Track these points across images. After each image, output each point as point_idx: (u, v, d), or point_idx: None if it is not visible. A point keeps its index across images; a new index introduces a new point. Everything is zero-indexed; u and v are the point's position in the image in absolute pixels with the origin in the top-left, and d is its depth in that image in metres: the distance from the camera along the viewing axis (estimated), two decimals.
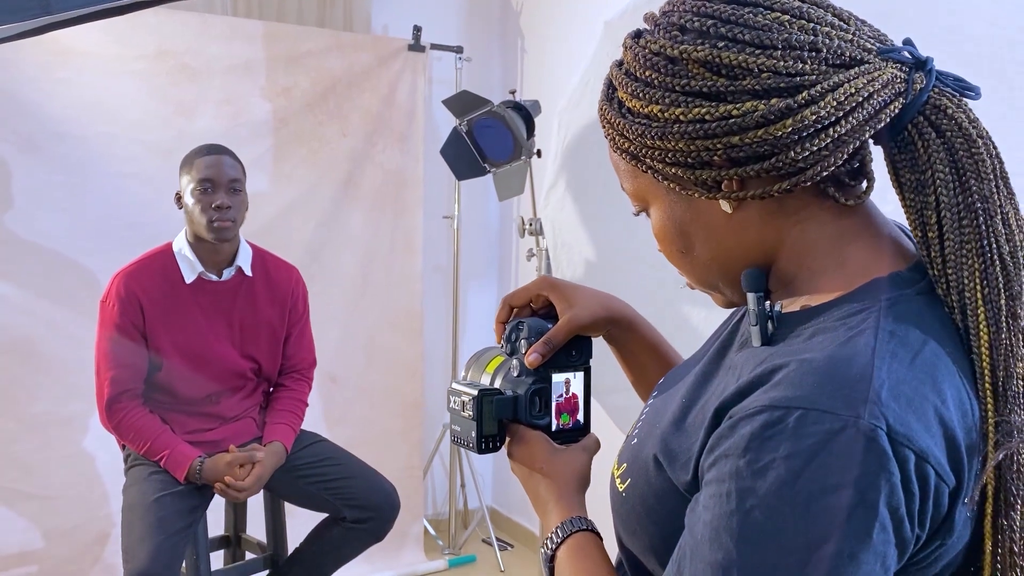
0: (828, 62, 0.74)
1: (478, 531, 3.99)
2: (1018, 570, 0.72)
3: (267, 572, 2.75)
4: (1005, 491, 0.71)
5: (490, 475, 4.26)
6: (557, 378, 1.03)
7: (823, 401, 0.65)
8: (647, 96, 0.78)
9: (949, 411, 0.68)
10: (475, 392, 1.01)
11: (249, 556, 2.83)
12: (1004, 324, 0.72)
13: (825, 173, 0.75)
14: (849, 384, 0.66)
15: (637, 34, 0.82)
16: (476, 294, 4.15)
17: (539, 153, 2.99)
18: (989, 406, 0.71)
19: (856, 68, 0.74)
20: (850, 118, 0.73)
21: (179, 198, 2.51)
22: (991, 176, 0.74)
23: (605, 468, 0.94)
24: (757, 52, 0.74)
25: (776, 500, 0.65)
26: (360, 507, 2.57)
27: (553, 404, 1.02)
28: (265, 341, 2.65)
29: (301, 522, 2.77)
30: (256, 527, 2.83)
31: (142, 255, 2.53)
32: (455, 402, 1.05)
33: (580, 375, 1.05)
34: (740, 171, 0.76)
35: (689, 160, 0.77)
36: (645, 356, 1.12)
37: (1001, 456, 0.70)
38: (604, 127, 0.85)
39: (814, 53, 0.73)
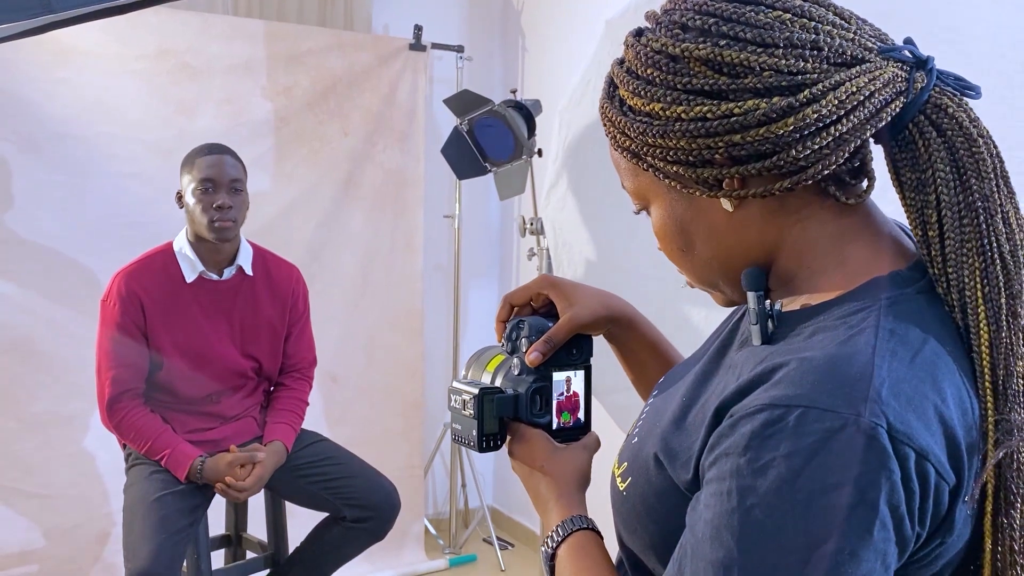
0: (830, 61, 0.74)
1: (479, 530, 4.00)
2: (1018, 568, 0.72)
3: (268, 571, 2.75)
4: (1005, 489, 0.71)
5: (491, 474, 4.26)
6: (558, 376, 1.03)
7: (823, 399, 0.65)
8: (649, 94, 0.78)
9: (949, 409, 0.68)
10: (476, 391, 1.01)
11: (250, 555, 2.83)
12: (1004, 323, 0.72)
13: (826, 172, 0.75)
14: (849, 382, 0.66)
15: (639, 32, 0.82)
16: (477, 293, 4.16)
17: (540, 152, 2.99)
18: (989, 404, 0.71)
19: (857, 67, 0.74)
20: (851, 117, 0.73)
21: (180, 197, 2.51)
22: (992, 175, 0.74)
23: (605, 467, 0.94)
24: (759, 50, 0.74)
25: (777, 498, 0.65)
26: (361, 506, 2.57)
27: (554, 402, 1.03)
28: (266, 340, 2.65)
29: (302, 521, 2.77)
30: (257, 526, 2.84)
31: (143, 254, 2.53)
32: (456, 401, 1.05)
33: (581, 374, 1.05)
34: (741, 169, 0.76)
35: (690, 158, 0.78)
36: (645, 355, 1.12)
37: (1001, 454, 0.70)
38: (605, 125, 0.85)
39: (816, 52, 0.74)
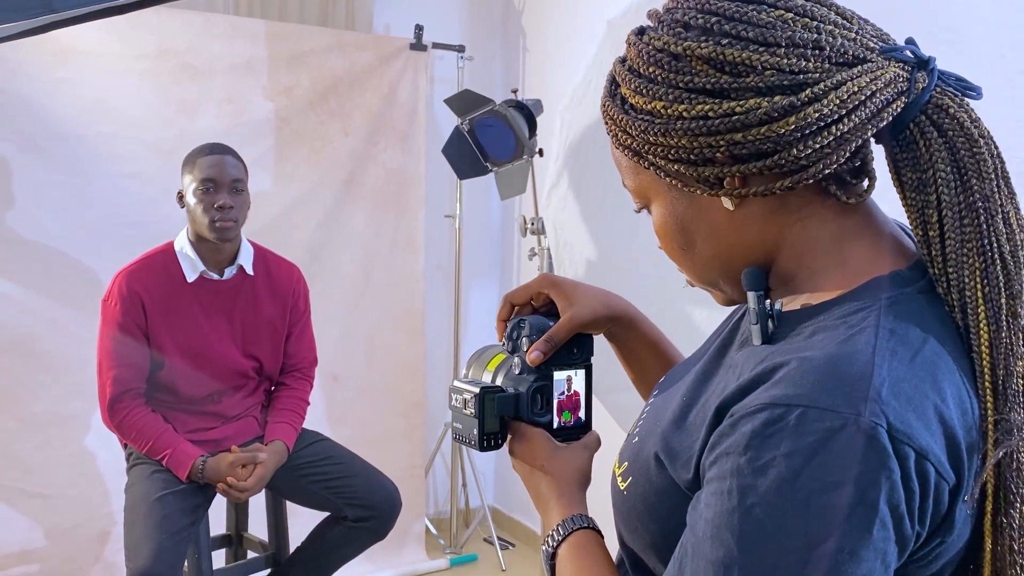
0: (831, 60, 0.74)
1: (480, 530, 4.00)
2: (1018, 568, 0.72)
3: (268, 571, 2.75)
4: (1005, 489, 0.72)
5: (492, 474, 4.26)
6: (558, 376, 1.03)
7: (824, 399, 0.66)
8: (650, 92, 0.78)
9: (949, 409, 0.68)
10: (477, 390, 1.02)
11: (251, 555, 2.83)
12: (1004, 323, 0.72)
13: (827, 171, 0.75)
14: (850, 382, 0.66)
15: (641, 31, 0.83)
16: (478, 293, 4.16)
17: (541, 152, 2.99)
18: (989, 404, 0.71)
19: (859, 67, 0.74)
20: (852, 116, 0.73)
21: (181, 197, 2.51)
22: (992, 175, 0.74)
23: (606, 466, 0.94)
24: (761, 49, 0.74)
25: (777, 498, 0.65)
26: (362, 506, 2.57)
27: (554, 402, 1.03)
28: (267, 340, 2.65)
29: (302, 521, 2.77)
30: (258, 526, 2.84)
31: (143, 254, 2.53)
32: (457, 400, 1.05)
33: (581, 373, 1.05)
34: (742, 168, 0.76)
35: (692, 157, 0.78)
36: (646, 354, 1.12)
37: (1001, 454, 0.70)
38: (607, 123, 0.85)
39: (817, 51, 0.74)
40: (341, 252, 3.61)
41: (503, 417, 1.03)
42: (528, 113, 2.93)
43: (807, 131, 0.73)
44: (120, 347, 2.44)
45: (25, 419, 3.02)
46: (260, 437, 2.63)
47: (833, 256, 0.79)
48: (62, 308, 3.05)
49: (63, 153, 3.05)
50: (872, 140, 0.78)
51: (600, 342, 1.10)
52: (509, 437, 1.04)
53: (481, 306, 4.14)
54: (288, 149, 3.48)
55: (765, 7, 0.76)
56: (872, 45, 0.76)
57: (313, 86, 3.50)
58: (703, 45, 0.75)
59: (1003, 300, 0.73)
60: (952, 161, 0.75)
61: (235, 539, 2.84)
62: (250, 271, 2.60)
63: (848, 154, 0.75)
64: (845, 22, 0.77)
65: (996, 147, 0.75)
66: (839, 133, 0.73)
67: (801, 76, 0.73)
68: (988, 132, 0.76)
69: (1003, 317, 0.73)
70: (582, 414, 1.05)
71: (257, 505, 2.76)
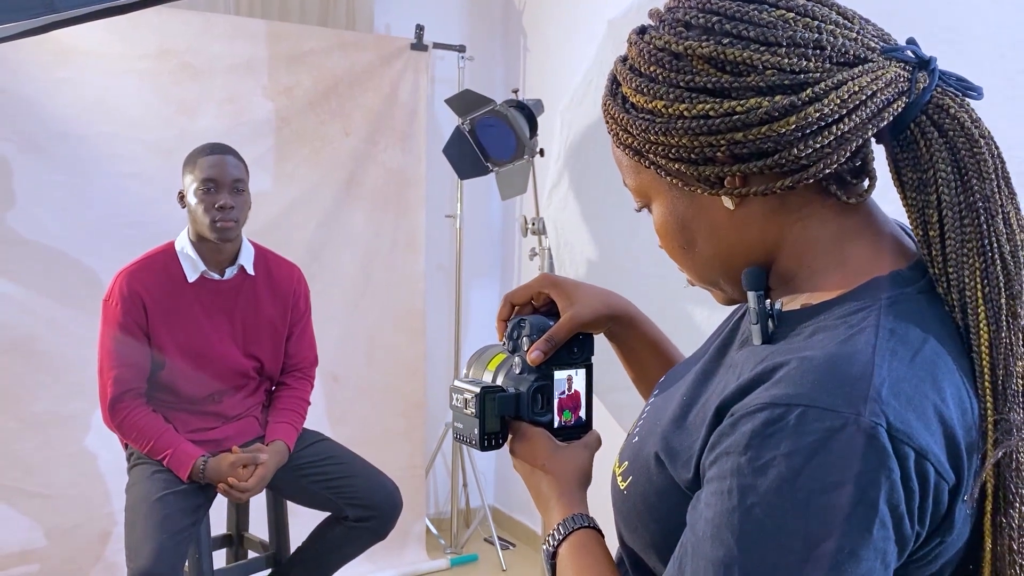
0: (832, 60, 0.74)
1: (480, 530, 4.00)
2: (1017, 567, 0.72)
3: (269, 571, 2.75)
4: (1004, 489, 0.72)
5: (492, 474, 4.26)
6: (559, 375, 1.03)
7: (824, 399, 0.66)
8: (651, 91, 0.78)
9: (949, 409, 0.68)
10: (477, 389, 1.02)
11: (251, 555, 2.83)
12: (1004, 323, 0.73)
13: (828, 171, 0.76)
14: (850, 382, 0.66)
15: (642, 30, 0.83)
16: (478, 293, 4.16)
17: (542, 152, 2.99)
18: (988, 404, 0.71)
19: (860, 67, 0.74)
20: (853, 116, 0.73)
21: (182, 197, 2.51)
22: (993, 176, 0.74)
23: (606, 465, 0.94)
24: (762, 49, 0.74)
25: (777, 497, 0.65)
26: (362, 506, 2.57)
27: (555, 401, 1.03)
28: (267, 340, 2.65)
29: (303, 521, 2.77)
30: (258, 526, 2.84)
31: (144, 254, 2.53)
32: (457, 399, 1.05)
33: (582, 372, 1.05)
34: (743, 167, 0.76)
35: (692, 156, 0.78)
36: (646, 353, 1.13)
37: (1000, 454, 0.70)
38: (607, 122, 0.85)
39: (818, 51, 0.74)
40: (341, 252, 3.61)
41: (504, 417, 1.03)
42: (529, 113, 2.93)
43: (808, 131, 0.73)
44: (121, 347, 2.44)
45: (26, 419, 3.02)
46: (261, 437, 2.63)
47: (833, 256, 0.79)
48: (62, 308, 3.05)
49: (64, 153, 3.05)
50: (873, 140, 0.78)
51: (601, 342, 1.10)
52: (510, 437, 1.04)
53: (482, 306, 4.14)
54: (288, 149, 3.48)
55: (766, 6, 0.76)
56: (873, 45, 0.76)
57: (314, 86, 3.50)
58: (704, 44, 0.75)
59: (1003, 300, 0.73)
60: (952, 161, 0.75)
61: (236, 539, 2.84)
62: (251, 271, 2.60)
63: (849, 154, 0.75)
64: (846, 22, 0.77)
65: (997, 147, 0.76)
66: (840, 133, 0.73)
67: (802, 76, 0.73)
68: (989, 132, 0.76)
69: (1003, 317, 0.73)
70: (583, 413, 1.05)
71: (258, 505, 2.76)
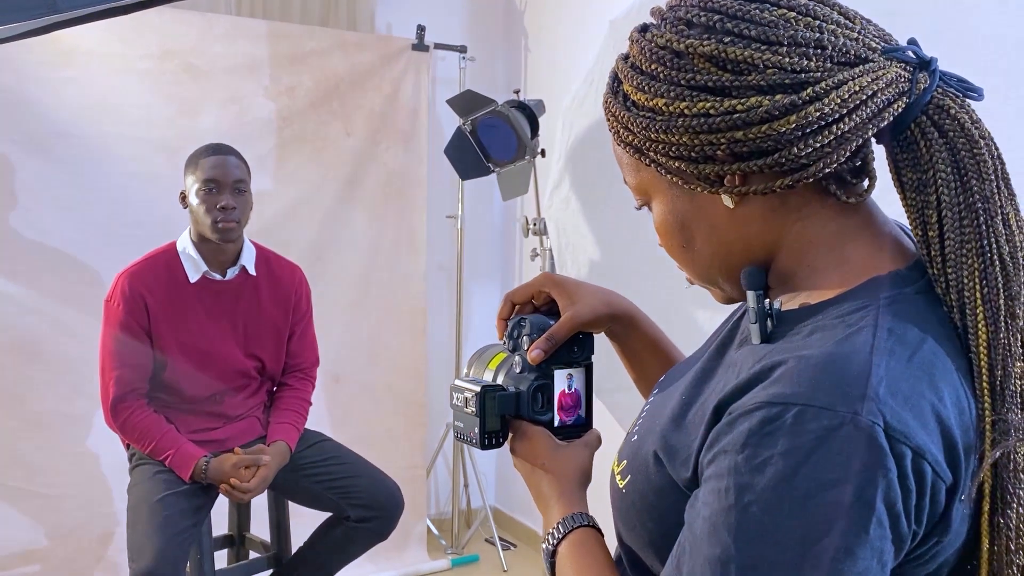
0: (833, 60, 0.74)
1: (481, 530, 4.00)
2: (1015, 568, 0.72)
3: (271, 571, 2.75)
4: (1002, 490, 0.71)
5: (493, 475, 4.26)
6: (559, 374, 1.03)
7: (821, 398, 0.66)
8: (652, 89, 0.78)
9: (946, 409, 0.69)
10: (478, 388, 1.02)
11: (253, 555, 2.83)
12: (1003, 323, 0.73)
13: (828, 170, 0.76)
14: (847, 381, 0.66)
15: (643, 28, 0.83)
16: (480, 294, 4.16)
17: (543, 153, 2.99)
18: (986, 405, 0.71)
19: (861, 66, 0.74)
20: (853, 116, 0.73)
21: (183, 197, 2.51)
22: (992, 177, 0.74)
23: (606, 464, 0.94)
24: (763, 48, 0.74)
25: (774, 496, 0.65)
26: (364, 506, 2.57)
27: (555, 400, 1.03)
28: (269, 340, 2.65)
29: (305, 521, 2.77)
30: (260, 526, 2.84)
31: (146, 254, 2.53)
32: (458, 398, 1.05)
33: (582, 371, 1.05)
34: (743, 166, 0.76)
35: (692, 154, 0.78)
36: (646, 353, 1.13)
37: (998, 454, 0.70)
38: (608, 120, 0.85)
39: (819, 51, 0.74)
40: (343, 252, 3.61)
41: (504, 416, 1.03)
42: (530, 113, 2.93)
43: (808, 130, 0.73)
44: (123, 347, 2.45)
45: (28, 419, 3.02)
46: (262, 437, 2.63)
47: (833, 255, 0.79)
48: (65, 308, 3.05)
49: (66, 153, 3.06)
50: (873, 140, 0.78)
51: (601, 341, 1.10)
52: (510, 436, 1.04)
53: (483, 307, 4.14)
54: (290, 149, 3.48)
55: (768, 6, 0.76)
56: (874, 45, 0.76)
57: (315, 86, 3.51)
58: (705, 43, 0.76)
59: (1002, 301, 0.73)
60: (952, 162, 0.75)
61: (237, 539, 2.84)
62: (252, 271, 2.60)
63: (848, 153, 0.76)
64: (847, 22, 0.77)
65: (997, 148, 0.76)
66: (840, 132, 0.73)
67: (803, 75, 0.73)
68: (989, 133, 0.76)
69: (1001, 318, 0.73)
70: (583, 412, 1.05)
71: (259, 505, 2.76)
